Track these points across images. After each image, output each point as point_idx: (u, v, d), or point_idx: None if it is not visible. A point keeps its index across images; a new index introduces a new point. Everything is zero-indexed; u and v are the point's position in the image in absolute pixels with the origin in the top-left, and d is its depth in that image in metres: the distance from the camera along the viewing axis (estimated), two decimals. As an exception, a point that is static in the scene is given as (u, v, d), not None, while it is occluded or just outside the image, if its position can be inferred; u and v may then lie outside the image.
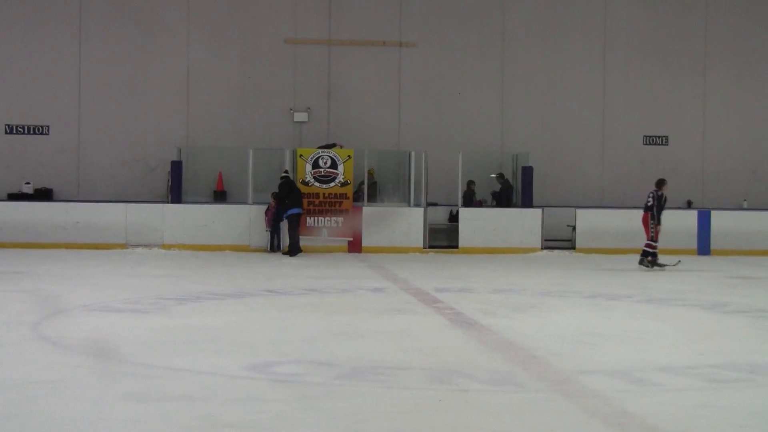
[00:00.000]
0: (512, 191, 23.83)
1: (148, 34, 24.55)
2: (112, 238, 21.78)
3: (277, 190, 21.40)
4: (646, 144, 25.78)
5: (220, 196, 23.78)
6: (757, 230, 23.59)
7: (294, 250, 20.87)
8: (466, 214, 22.68)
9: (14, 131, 24.21)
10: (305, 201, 21.64)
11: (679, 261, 19.80)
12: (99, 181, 24.19)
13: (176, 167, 22.77)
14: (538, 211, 22.84)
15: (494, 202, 23.74)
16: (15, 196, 23.34)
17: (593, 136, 25.69)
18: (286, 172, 21.75)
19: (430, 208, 22.78)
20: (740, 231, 23.54)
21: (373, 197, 23.14)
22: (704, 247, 23.25)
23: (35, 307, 11.59)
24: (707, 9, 25.95)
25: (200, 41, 24.65)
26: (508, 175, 24.28)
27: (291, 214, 21.02)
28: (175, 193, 22.61)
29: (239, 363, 8.10)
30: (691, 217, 23.66)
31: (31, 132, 24.20)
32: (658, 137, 25.81)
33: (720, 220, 23.65)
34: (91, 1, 24.44)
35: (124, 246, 21.63)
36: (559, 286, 15.56)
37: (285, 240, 21.48)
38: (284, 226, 21.46)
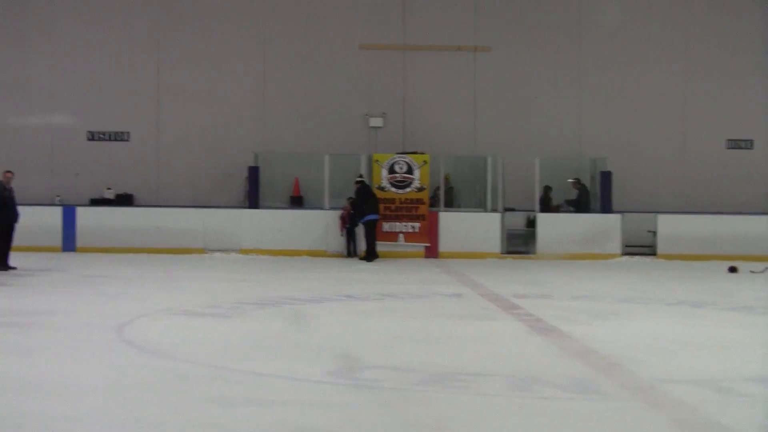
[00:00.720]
0: (589, 197, 23.57)
1: (225, 41, 24.81)
2: (191, 243, 22.03)
3: (353, 196, 21.43)
4: (729, 148, 25.29)
5: (296, 201, 23.91)
6: None
7: (371, 255, 20.91)
8: (544, 219, 22.51)
9: (96, 138, 24.65)
10: (381, 206, 21.64)
11: (766, 268, 19.36)
12: (178, 186, 24.50)
13: (253, 173, 22.97)
14: (618, 216, 22.57)
15: (570, 209, 23.50)
16: (97, 202, 23.80)
17: (673, 139, 25.31)
18: (360, 176, 21.79)
19: (507, 214, 22.61)
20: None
21: (449, 202, 23.09)
22: (793, 253, 22.81)
23: (118, 311, 11.74)
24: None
25: (276, 48, 24.83)
26: (586, 180, 24.02)
27: (368, 221, 21.07)
28: (253, 199, 22.81)
29: (319, 368, 8.11)
30: (776, 224, 23.20)
31: (112, 138, 24.62)
32: (742, 141, 25.31)
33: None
34: (169, 8, 24.82)
35: (202, 251, 21.85)
36: (641, 292, 15.32)
37: (361, 245, 21.52)
38: (360, 231, 21.50)
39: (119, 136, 24.64)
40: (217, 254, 21.61)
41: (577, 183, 23.55)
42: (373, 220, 21.12)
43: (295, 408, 6.79)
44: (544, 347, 9.65)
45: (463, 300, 13.81)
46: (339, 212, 21.82)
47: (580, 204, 23.38)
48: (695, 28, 25.32)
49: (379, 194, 21.76)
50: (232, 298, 13.44)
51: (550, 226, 22.44)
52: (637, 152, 25.03)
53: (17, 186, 18.23)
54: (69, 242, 21.95)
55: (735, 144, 25.32)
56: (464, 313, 12.25)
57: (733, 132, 25.33)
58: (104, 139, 24.61)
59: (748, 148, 25.31)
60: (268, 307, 12.47)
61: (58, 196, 23.82)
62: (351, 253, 21.69)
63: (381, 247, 21.56)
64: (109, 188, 24.05)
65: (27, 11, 24.70)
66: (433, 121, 24.81)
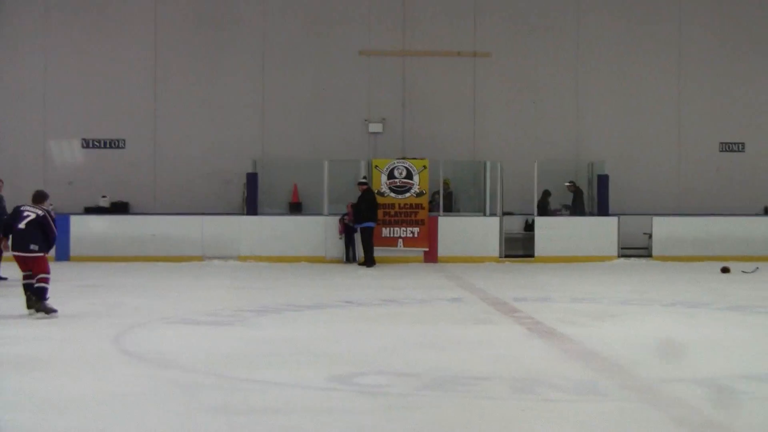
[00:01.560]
0: (582, 197, 23.63)
1: (224, 46, 24.74)
2: (189, 251, 21.97)
3: (355, 201, 21.39)
4: (723, 151, 25.37)
5: (295, 207, 23.88)
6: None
7: (369, 262, 20.95)
8: (542, 223, 22.56)
9: (91, 145, 24.54)
10: (380, 212, 21.69)
11: (757, 268, 19.58)
12: (175, 194, 24.38)
13: (252, 179, 22.97)
14: (614, 219, 22.67)
15: (568, 212, 23.60)
16: (92, 210, 23.57)
17: (669, 143, 25.35)
18: (364, 178, 21.84)
19: (506, 218, 22.62)
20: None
21: (448, 207, 23.14)
22: (783, 253, 22.93)
23: (115, 320, 11.69)
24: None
25: (275, 53, 24.81)
26: (584, 184, 24.10)
27: (365, 227, 21.13)
28: (251, 206, 22.80)
29: (321, 374, 8.16)
30: (768, 224, 23.34)
31: (108, 146, 24.55)
32: (735, 144, 25.39)
33: (798, 226, 23.26)
34: (167, 12, 24.67)
35: (200, 258, 21.82)
36: (638, 294, 15.41)
37: (360, 251, 21.57)
38: (358, 236, 21.55)
39: (115, 144, 24.56)
40: (215, 262, 21.55)
41: (573, 185, 23.64)
42: (371, 228, 21.16)
43: (300, 415, 6.85)
44: (545, 350, 9.72)
45: (463, 304, 13.87)
46: (339, 216, 21.87)
47: (576, 206, 23.48)
48: (689, 32, 25.35)
49: (379, 199, 21.76)
50: (232, 305, 13.45)
51: (549, 229, 22.51)
52: (634, 155, 25.04)
53: (8, 195, 18.06)
54: (62, 251, 21.41)
55: (728, 147, 25.39)
56: (465, 317, 12.31)
57: (725, 135, 25.40)
58: (99, 147, 24.50)
59: (740, 151, 25.41)
60: (268, 314, 12.50)
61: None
62: (350, 258, 21.73)
63: (380, 252, 21.56)
64: (104, 196, 23.88)
65: (20, 17, 24.52)
66: (432, 126, 24.82)
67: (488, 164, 22.90)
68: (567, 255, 22.20)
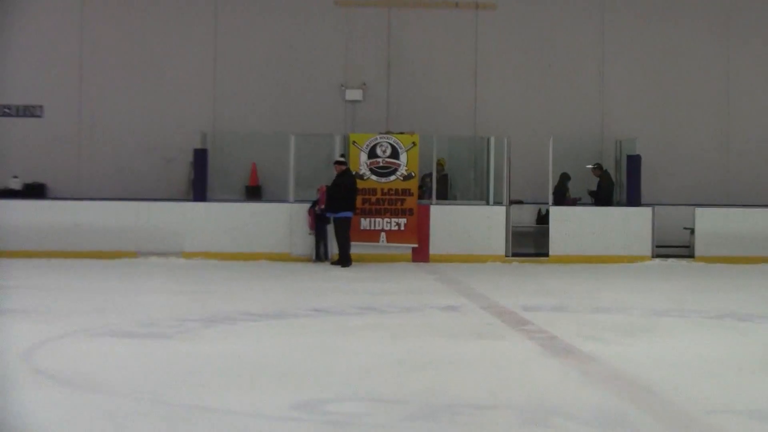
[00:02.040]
0: (613, 187, 23.68)
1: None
2: (120, 245, 21.94)
3: (329, 184, 21.35)
4: (783, 130, 25.56)
5: (253, 192, 23.91)
6: None
7: (344, 261, 20.91)
8: (558, 214, 22.64)
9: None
10: (359, 198, 21.67)
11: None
12: (104, 174, 24.33)
13: (200, 157, 22.92)
14: (648, 210, 22.75)
15: (592, 200, 23.63)
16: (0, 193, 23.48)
17: (715, 119, 25.53)
18: (343, 156, 21.81)
19: (513, 207, 22.70)
20: None
21: (443, 193, 23.20)
22: None
23: (28, 332, 11.55)
24: None
25: (230, 3, 24.72)
26: (610, 166, 24.17)
27: (341, 218, 21.04)
28: (199, 190, 22.77)
29: (284, 401, 8.08)
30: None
31: (20, 114, 24.38)
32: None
33: None
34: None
35: (134, 255, 21.81)
36: (677, 303, 15.51)
37: (334, 247, 21.51)
38: (331, 230, 21.49)
39: (29, 111, 24.41)
40: (153, 259, 21.56)
41: (599, 168, 23.66)
42: (348, 219, 21.09)
43: (255, 450, 6.79)
44: (563, 372, 9.69)
45: (461, 314, 13.88)
46: (308, 205, 21.84)
47: (601, 194, 23.49)
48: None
49: (358, 183, 21.75)
50: (173, 314, 13.37)
51: (567, 221, 22.53)
52: (672, 133, 25.25)
53: None
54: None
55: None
56: (463, 330, 12.28)
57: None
58: (10, 115, 24.35)
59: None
60: (219, 324, 12.44)
61: None
62: (321, 256, 21.72)
63: (359, 248, 21.65)
64: (15, 177, 23.79)
65: None
66: (424, 94, 24.91)
67: (492, 141, 22.99)
68: (589, 254, 22.36)
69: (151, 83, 24.61)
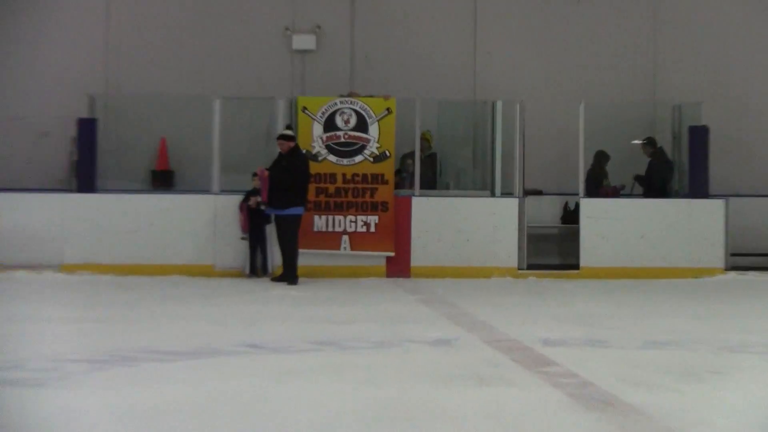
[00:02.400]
0: (670, 170, 23.67)
1: None
2: (-25, 254, 21.93)
3: (270, 167, 21.21)
4: None
5: (163, 179, 23.86)
6: None
7: (290, 276, 20.82)
8: (592, 209, 22.68)
9: None
10: (312, 188, 21.62)
11: None
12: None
13: (86, 130, 22.87)
14: (720, 203, 22.83)
15: (641, 189, 23.65)
16: None
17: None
18: (289, 128, 21.69)
19: (529, 199, 22.75)
20: None
21: (430, 180, 23.24)
22: None
23: None
24: None
25: None
26: (666, 142, 24.18)
27: (288, 216, 20.95)
28: (85, 175, 22.67)
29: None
30: None
31: None
32: None
33: None
34: None
35: (-4, 267, 21.78)
36: (761, 335, 15.48)
37: (277, 256, 21.41)
38: (273, 233, 21.38)
39: None
40: (20, 274, 21.53)
41: (650, 146, 23.67)
42: (297, 217, 21.00)
43: None
44: (601, 432, 9.58)
45: (455, 350, 13.88)
46: (239, 197, 21.74)
47: (653, 181, 23.49)
48: None
49: (311, 166, 21.71)
50: (47, 351, 13.30)
51: (605, 219, 22.53)
52: (749, 98, 25.49)
53: None
54: None
55: None
56: (458, 372, 12.19)
57: None
58: None
59: None
60: (111, 367, 12.36)
61: None
62: (258, 269, 21.62)
63: (313, 258, 21.74)
64: None
65: None
66: (402, 42, 25.02)
67: (499, 107, 23.10)
68: (636, 266, 22.52)
69: (19, 36, 24.49)
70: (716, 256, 22.60)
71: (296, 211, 21.00)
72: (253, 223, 21.67)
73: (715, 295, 20.20)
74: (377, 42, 24.96)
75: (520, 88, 24.13)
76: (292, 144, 21.17)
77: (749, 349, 14.13)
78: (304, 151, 21.72)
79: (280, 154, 21.11)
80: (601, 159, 23.57)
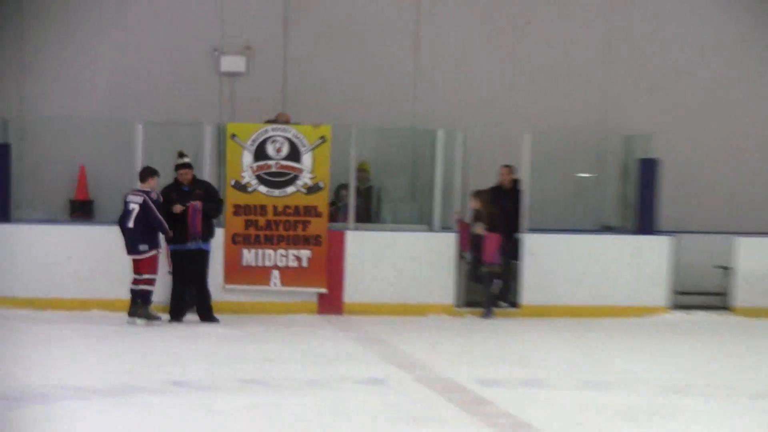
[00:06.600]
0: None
1: None
2: None
3: (177, 198, 20.81)
4: None
5: (82, 209, 23.80)
6: None
7: (209, 312, 20.98)
8: (534, 244, 22.95)
9: None
10: (240, 220, 21.85)
11: None
12: None
13: (0, 156, 22.83)
14: (666, 239, 23.17)
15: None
16: None
17: (760, 112, 25.96)
18: (185, 155, 21.17)
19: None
20: None
21: (365, 213, 23.45)
22: None
23: None
24: None
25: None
26: (613, 172, 24.51)
27: (208, 249, 21.14)
28: (-1, 206, 22.74)
29: None
30: None
31: None
32: None
33: None
34: None
35: None
36: (706, 377, 15.77)
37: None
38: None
39: None
40: None
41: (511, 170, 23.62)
42: (205, 252, 21.12)
43: None
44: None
45: (389, 390, 13.99)
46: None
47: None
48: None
49: (239, 198, 21.92)
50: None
51: (547, 256, 22.89)
52: (700, 132, 25.81)
53: None
54: None
55: None
56: (393, 414, 12.36)
57: None
58: None
59: None
60: (23, 405, 12.42)
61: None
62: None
63: (240, 294, 21.88)
64: None
65: None
66: (339, 65, 25.10)
67: (440, 136, 23.22)
68: (578, 304, 22.73)
69: None
70: (661, 295, 22.81)
71: (203, 246, 20.94)
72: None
73: (658, 334, 20.43)
74: (311, 65, 24.88)
75: (464, 117, 24.26)
76: (185, 171, 21.09)
77: (691, 390, 14.36)
78: (231, 182, 21.87)
79: (179, 183, 20.95)
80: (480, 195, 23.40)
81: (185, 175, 20.90)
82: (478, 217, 22.33)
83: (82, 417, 11.88)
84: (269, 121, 22.99)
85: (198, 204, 20.63)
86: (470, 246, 22.39)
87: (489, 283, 22.42)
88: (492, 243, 22.21)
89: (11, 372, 14.76)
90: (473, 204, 22.58)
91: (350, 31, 25.04)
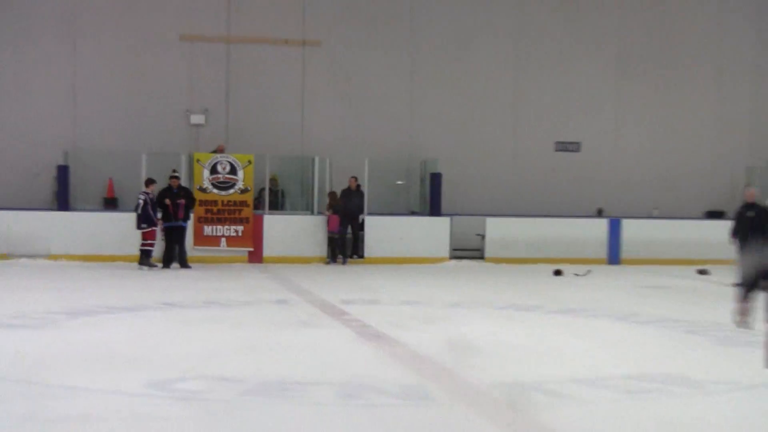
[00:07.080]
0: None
1: (30, 26, 24.05)
2: (-7, 248, 21.37)
3: (171, 195, 20.68)
4: (558, 150, 26.24)
5: (110, 203, 23.52)
6: (667, 239, 24.15)
7: (182, 261, 20.68)
8: (371, 222, 22.88)
9: None
10: (203, 209, 21.64)
11: (589, 270, 20.37)
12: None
13: (63, 172, 22.52)
14: (447, 219, 23.20)
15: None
16: None
17: (505, 141, 26.07)
18: (174, 171, 21.23)
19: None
20: (650, 240, 24.10)
21: (275, 205, 23.29)
22: (614, 256, 23.81)
23: None
24: (621, 13, 26.58)
25: (88, 35, 24.25)
26: (414, 182, 24.59)
27: (180, 227, 20.73)
28: (62, 200, 22.36)
29: (138, 380, 8.09)
30: (601, 226, 24.18)
31: None
32: (570, 143, 26.27)
33: (630, 228, 24.20)
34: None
35: (5, 257, 21.23)
36: (470, 297, 15.81)
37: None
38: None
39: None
40: (22, 260, 21.05)
41: (356, 179, 23.30)
42: (185, 228, 20.89)
43: (114, 422, 6.78)
44: (374, 354, 9.87)
45: (289, 307, 13.88)
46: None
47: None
48: (526, 28, 26.13)
49: (201, 196, 21.72)
50: (41, 307, 13.09)
51: (378, 229, 22.89)
52: (469, 154, 25.69)
53: None
54: None
55: (563, 147, 26.28)
56: (291, 320, 12.31)
57: (561, 135, 26.29)
58: None
59: (575, 151, 26.30)
60: (81, 316, 12.29)
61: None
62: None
63: (202, 252, 21.67)
64: None
65: None
66: (259, 118, 24.84)
67: (317, 160, 23.12)
68: (398, 256, 22.65)
69: (18, 107, 23.88)
70: (444, 251, 22.91)
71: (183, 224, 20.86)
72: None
73: (443, 273, 20.44)
74: (242, 118, 24.53)
75: (332, 147, 24.16)
76: (179, 181, 21.07)
77: (463, 304, 14.38)
78: (197, 187, 21.78)
79: (171, 187, 20.63)
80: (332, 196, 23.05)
81: (175, 182, 20.80)
82: (330, 206, 22.33)
83: (113, 323, 11.78)
84: (214, 151, 22.95)
85: (182, 200, 20.58)
86: (328, 225, 22.41)
87: (334, 244, 22.37)
88: (334, 221, 22.22)
89: (69, 296, 14.65)
90: (328, 198, 22.58)
91: (264, 100, 24.83)
